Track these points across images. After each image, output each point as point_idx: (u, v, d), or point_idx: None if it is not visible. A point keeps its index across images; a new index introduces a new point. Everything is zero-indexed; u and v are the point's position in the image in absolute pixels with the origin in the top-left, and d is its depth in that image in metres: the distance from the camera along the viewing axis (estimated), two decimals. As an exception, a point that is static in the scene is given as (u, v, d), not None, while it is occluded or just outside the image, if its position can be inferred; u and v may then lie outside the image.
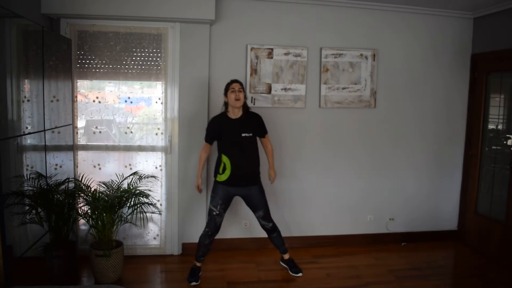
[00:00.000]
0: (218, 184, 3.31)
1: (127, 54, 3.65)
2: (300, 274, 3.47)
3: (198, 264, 3.42)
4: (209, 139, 3.38)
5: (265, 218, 3.39)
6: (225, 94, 3.27)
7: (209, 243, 3.37)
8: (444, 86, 4.26)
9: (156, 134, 3.78)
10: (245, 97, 3.30)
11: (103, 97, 3.70)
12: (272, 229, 3.44)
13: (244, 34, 3.84)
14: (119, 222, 3.29)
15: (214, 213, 3.30)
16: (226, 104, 3.31)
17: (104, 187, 3.37)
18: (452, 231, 4.44)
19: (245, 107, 3.30)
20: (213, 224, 3.31)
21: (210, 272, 3.54)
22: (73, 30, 3.56)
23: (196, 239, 3.86)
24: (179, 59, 3.69)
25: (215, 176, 3.33)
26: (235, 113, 3.27)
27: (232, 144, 3.25)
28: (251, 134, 3.27)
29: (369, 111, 4.14)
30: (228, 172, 3.24)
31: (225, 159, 3.25)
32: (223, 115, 3.32)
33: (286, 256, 3.55)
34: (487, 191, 4.16)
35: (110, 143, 3.74)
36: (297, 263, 3.54)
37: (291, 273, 3.49)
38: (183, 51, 3.69)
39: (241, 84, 3.28)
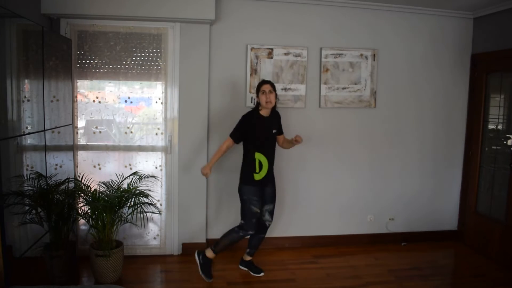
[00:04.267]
0: (252, 183, 3.28)
1: (127, 54, 3.65)
2: (262, 274, 3.50)
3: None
4: (238, 137, 3.29)
5: (271, 212, 3.47)
6: (257, 94, 3.32)
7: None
8: (444, 86, 4.26)
9: (156, 134, 3.78)
10: (277, 97, 3.33)
11: (103, 97, 3.69)
12: (267, 228, 3.49)
13: (244, 34, 3.84)
14: (119, 222, 3.29)
15: (256, 211, 3.30)
16: (258, 103, 3.33)
17: (104, 187, 3.36)
18: (452, 231, 4.44)
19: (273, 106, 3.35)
20: (255, 223, 3.31)
21: (210, 272, 3.55)
22: (73, 30, 3.56)
23: (196, 239, 3.90)
24: (179, 59, 3.69)
25: (251, 175, 3.29)
26: (266, 112, 3.32)
27: (266, 141, 3.33)
28: (275, 131, 3.40)
29: (369, 111, 4.14)
30: (265, 169, 3.31)
31: (260, 157, 3.28)
32: (255, 113, 3.32)
33: (248, 258, 3.60)
34: (487, 191, 4.16)
35: (110, 143, 3.74)
36: (257, 264, 3.60)
37: (253, 274, 3.51)
38: (183, 51, 3.69)
39: (272, 85, 3.30)
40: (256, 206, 3.30)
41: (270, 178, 3.41)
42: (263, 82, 3.34)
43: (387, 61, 4.11)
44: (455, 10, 4.10)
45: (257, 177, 3.30)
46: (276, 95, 3.31)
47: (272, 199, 3.47)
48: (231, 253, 3.86)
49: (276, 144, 3.48)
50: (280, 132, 3.52)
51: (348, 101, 4.07)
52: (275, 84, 3.88)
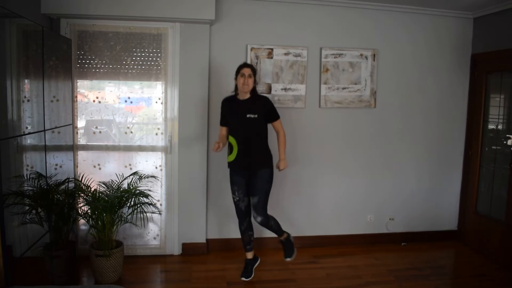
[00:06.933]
0: (229, 167, 3.34)
1: (127, 54, 3.65)
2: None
3: (249, 256, 3.48)
4: (223, 121, 3.38)
5: (256, 207, 3.25)
6: (236, 77, 3.25)
7: (246, 229, 3.41)
8: (444, 86, 4.26)
9: (156, 134, 3.78)
10: (255, 82, 3.28)
11: (103, 97, 3.69)
12: (260, 224, 3.33)
13: (244, 34, 3.84)
14: (119, 222, 3.29)
15: (235, 199, 3.36)
16: (236, 87, 3.28)
17: (104, 187, 3.37)
18: (452, 231, 4.44)
19: (253, 90, 3.27)
20: (238, 210, 3.38)
21: (210, 272, 3.54)
22: (73, 30, 3.56)
23: (196, 239, 3.90)
24: (179, 59, 3.69)
25: (227, 158, 3.34)
26: (243, 96, 3.26)
27: (238, 125, 3.25)
28: (256, 116, 3.19)
29: (369, 111, 4.14)
30: (235, 152, 3.25)
31: (232, 140, 3.27)
32: (233, 97, 3.33)
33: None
34: (487, 191, 4.16)
35: (110, 143, 3.74)
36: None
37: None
38: (183, 51, 3.69)
39: (252, 69, 3.23)
40: (235, 193, 3.32)
41: (245, 166, 3.25)
42: (244, 65, 3.25)
43: (387, 61, 4.11)
44: (455, 10, 4.10)
45: (228, 159, 3.31)
46: (255, 80, 3.25)
47: (255, 191, 3.25)
48: (230, 253, 3.87)
49: (261, 132, 3.27)
50: (269, 118, 3.29)
51: (348, 101, 4.07)
52: (275, 84, 3.90)
